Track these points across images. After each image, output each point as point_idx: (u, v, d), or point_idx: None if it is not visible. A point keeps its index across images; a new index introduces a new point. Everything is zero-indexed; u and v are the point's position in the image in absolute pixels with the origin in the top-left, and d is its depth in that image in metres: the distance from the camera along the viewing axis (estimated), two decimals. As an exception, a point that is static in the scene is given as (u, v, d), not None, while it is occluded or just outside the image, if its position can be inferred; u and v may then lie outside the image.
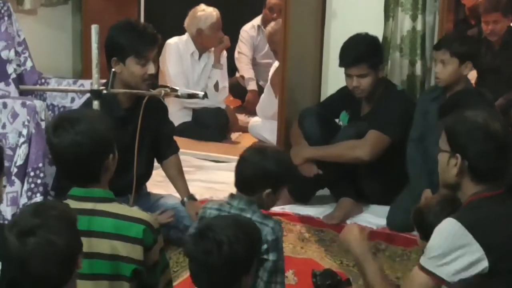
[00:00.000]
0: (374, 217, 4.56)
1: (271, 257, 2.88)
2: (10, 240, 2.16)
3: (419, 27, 4.93)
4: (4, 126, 4.12)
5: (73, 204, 2.64)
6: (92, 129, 2.69)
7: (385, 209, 4.52)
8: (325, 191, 4.86)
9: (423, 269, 2.58)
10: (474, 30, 6.16)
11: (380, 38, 4.83)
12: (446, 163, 2.68)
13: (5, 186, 3.90)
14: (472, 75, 5.52)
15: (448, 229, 2.56)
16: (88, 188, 2.70)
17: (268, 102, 5.96)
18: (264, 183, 2.98)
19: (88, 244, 2.58)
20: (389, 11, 4.99)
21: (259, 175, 2.98)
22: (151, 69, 3.94)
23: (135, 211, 2.74)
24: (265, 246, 2.84)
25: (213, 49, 6.25)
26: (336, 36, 5.08)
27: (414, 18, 4.93)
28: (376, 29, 4.85)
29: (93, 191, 2.69)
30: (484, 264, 2.52)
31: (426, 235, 2.95)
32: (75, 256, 2.22)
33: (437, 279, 2.56)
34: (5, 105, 4.13)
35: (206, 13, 6.15)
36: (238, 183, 3.04)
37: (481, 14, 5.91)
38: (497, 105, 5.13)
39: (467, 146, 2.63)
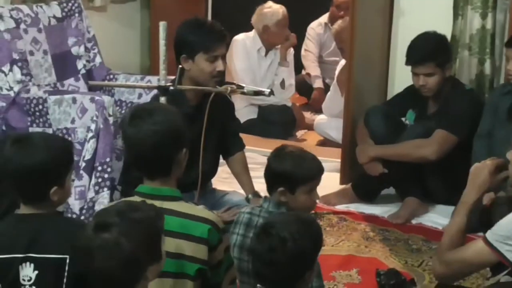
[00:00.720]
0: (440, 217, 4.51)
1: None
2: (86, 229, 2.21)
3: (489, 25, 4.85)
4: (73, 121, 4.18)
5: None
6: (169, 120, 2.70)
7: (452, 209, 4.46)
8: (391, 190, 4.83)
9: (485, 240, 2.62)
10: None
11: (449, 37, 4.77)
12: None
13: (73, 180, 3.97)
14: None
15: None
16: (157, 183, 2.70)
17: (334, 100, 5.94)
18: (273, 181, 3.04)
19: (154, 242, 2.61)
20: (458, 9, 4.92)
21: (268, 173, 3.06)
22: (219, 65, 3.96)
23: (201, 211, 2.73)
24: None
25: (279, 46, 6.26)
26: (404, 34, 5.03)
27: (484, 16, 4.85)
28: (445, 28, 4.80)
29: (160, 189, 2.68)
30: None
31: None
32: (143, 265, 2.20)
33: (497, 253, 2.59)
34: (74, 100, 4.19)
35: (273, 9, 6.16)
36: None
37: None
38: None
39: None
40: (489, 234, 2.63)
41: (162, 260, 2.28)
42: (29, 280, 2.53)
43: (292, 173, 3.02)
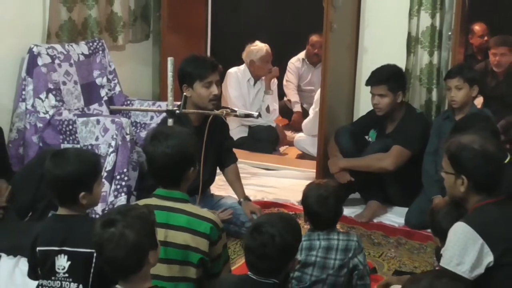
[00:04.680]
0: (397, 216, 4.53)
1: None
2: (96, 227, 2.23)
3: (435, 61, 4.90)
4: (97, 139, 4.20)
5: (156, 201, 2.71)
6: (180, 145, 2.72)
7: (405, 210, 4.50)
8: (356, 195, 4.84)
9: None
10: (482, 64, 6.12)
11: (403, 70, 4.81)
12: (453, 182, 2.69)
13: (97, 187, 3.98)
14: (478, 101, 5.48)
15: (459, 232, 2.54)
16: (169, 189, 2.75)
17: (315, 123, 5.85)
18: None
19: (165, 235, 2.63)
20: (410, 48, 4.97)
21: None
22: (214, 90, 4.00)
23: (205, 212, 2.77)
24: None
25: (264, 77, 6.29)
26: (367, 68, 5.04)
27: (431, 54, 4.90)
28: (400, 62, 4.82)
29: (173, 193, 2.73)
30: (490, 258, 2.49)
31: (436, 231, 2.98)
32: (145, 251, 2.22)
33: None
34: (98, 122, 4.21)
35: (258, 47, 6.18)
36: None
37: (490, 47, 5.91)
38: (499, 125, 5.08)
39: (472, 170, 2.63)
40: (445, 263, 2.53)
41: (158, 248, 2.30)
42: (63, 269, 2.55)
43: None
